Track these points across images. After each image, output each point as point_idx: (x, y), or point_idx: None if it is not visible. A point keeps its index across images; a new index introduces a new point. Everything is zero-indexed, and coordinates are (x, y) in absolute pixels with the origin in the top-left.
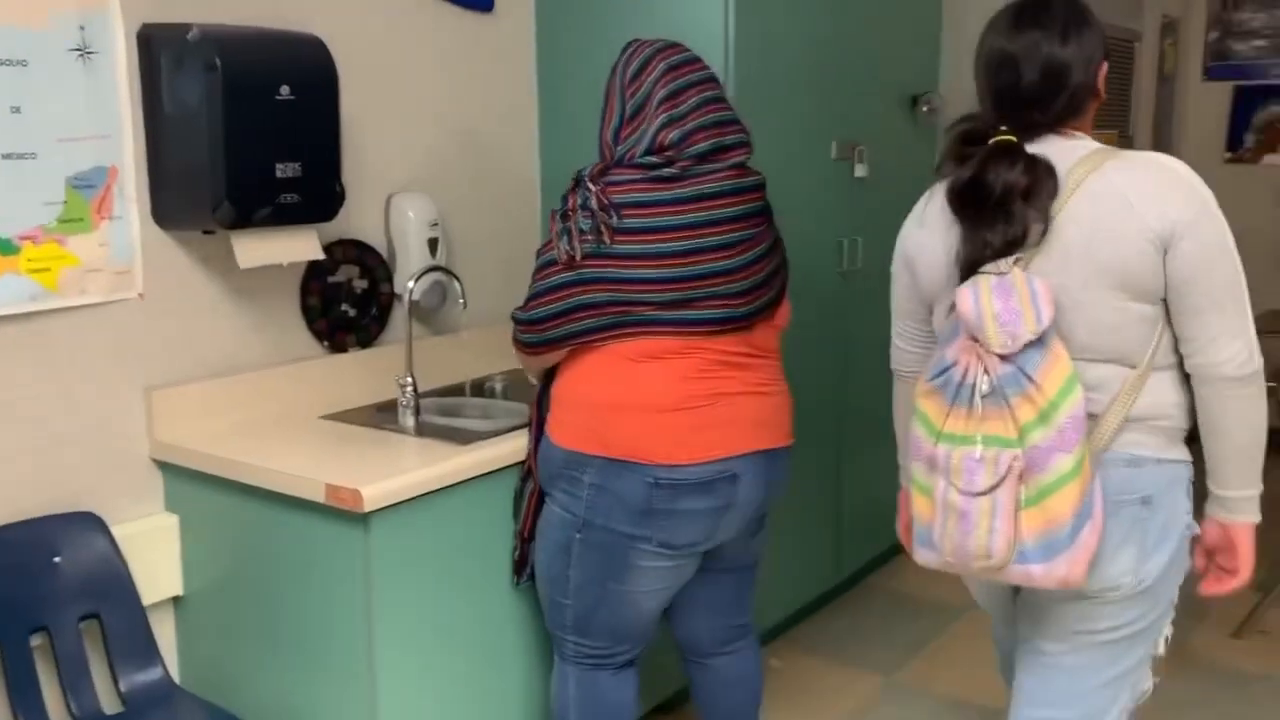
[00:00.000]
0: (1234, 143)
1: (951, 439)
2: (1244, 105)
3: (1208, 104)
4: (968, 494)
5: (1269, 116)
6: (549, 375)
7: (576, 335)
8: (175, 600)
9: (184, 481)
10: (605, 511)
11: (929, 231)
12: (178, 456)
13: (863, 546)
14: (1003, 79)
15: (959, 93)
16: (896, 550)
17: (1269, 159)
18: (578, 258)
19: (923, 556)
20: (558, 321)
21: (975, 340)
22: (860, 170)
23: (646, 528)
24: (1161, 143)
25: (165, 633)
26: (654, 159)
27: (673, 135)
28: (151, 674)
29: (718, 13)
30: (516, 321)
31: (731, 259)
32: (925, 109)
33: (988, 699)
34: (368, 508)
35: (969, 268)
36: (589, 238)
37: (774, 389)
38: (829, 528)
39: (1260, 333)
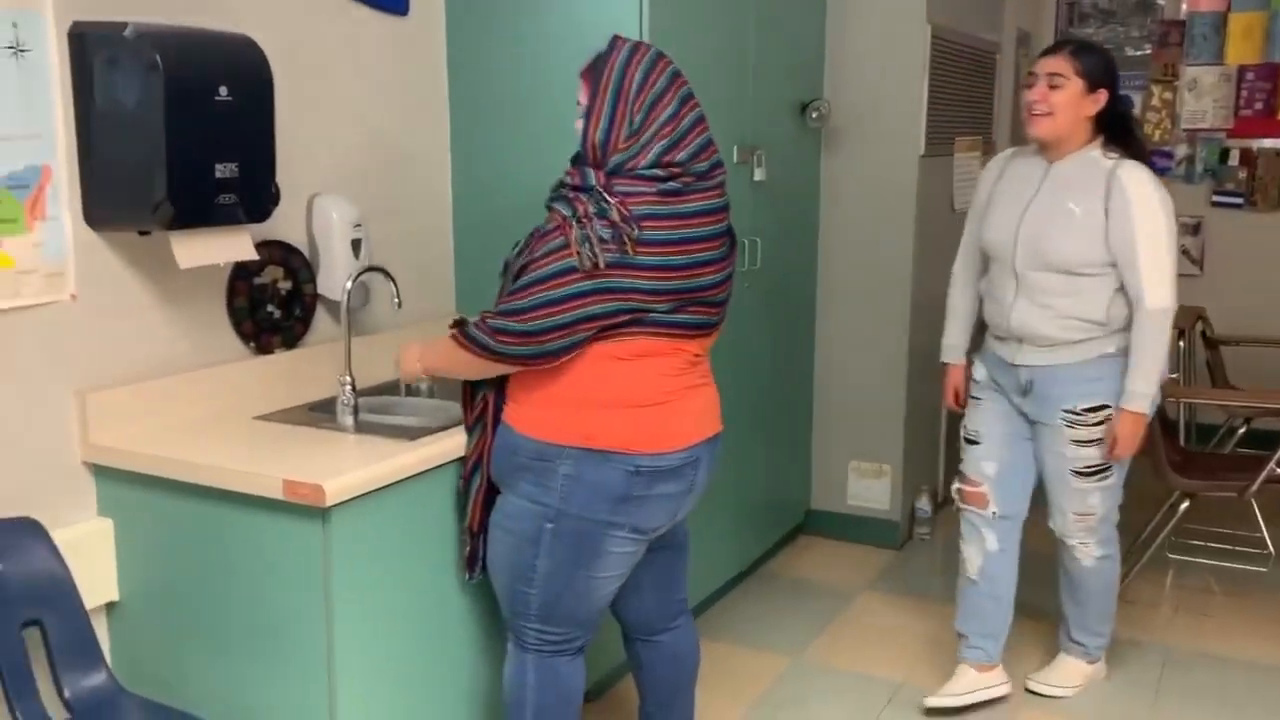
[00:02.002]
0: None
1: None
2: None
3: None
4: None
5: None
6: (496, 380)
7: (572, 348)
8: (109, 606)
9: (118, 485)
10: (581, 500)
11: None
12: (114, 459)
13: (762, 534)
14: None
15: (844, 99)
16: (792, 537)
17: None
18: (602, 265)
19: None
20: (561, 333)
21: None
22: (759, 174)
23: (621, 514)
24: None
25: (99, 639)
26: (659, 172)
27: (680, 155)
28: (96, 679)
29: (632, 18)
30: (506, 333)
31: (717, 273)
32: (814, 115)
33: (887, 672)
34: (329, 502)
35: None
36: (611, 247)
37: (711, 380)
38: (732, 518)
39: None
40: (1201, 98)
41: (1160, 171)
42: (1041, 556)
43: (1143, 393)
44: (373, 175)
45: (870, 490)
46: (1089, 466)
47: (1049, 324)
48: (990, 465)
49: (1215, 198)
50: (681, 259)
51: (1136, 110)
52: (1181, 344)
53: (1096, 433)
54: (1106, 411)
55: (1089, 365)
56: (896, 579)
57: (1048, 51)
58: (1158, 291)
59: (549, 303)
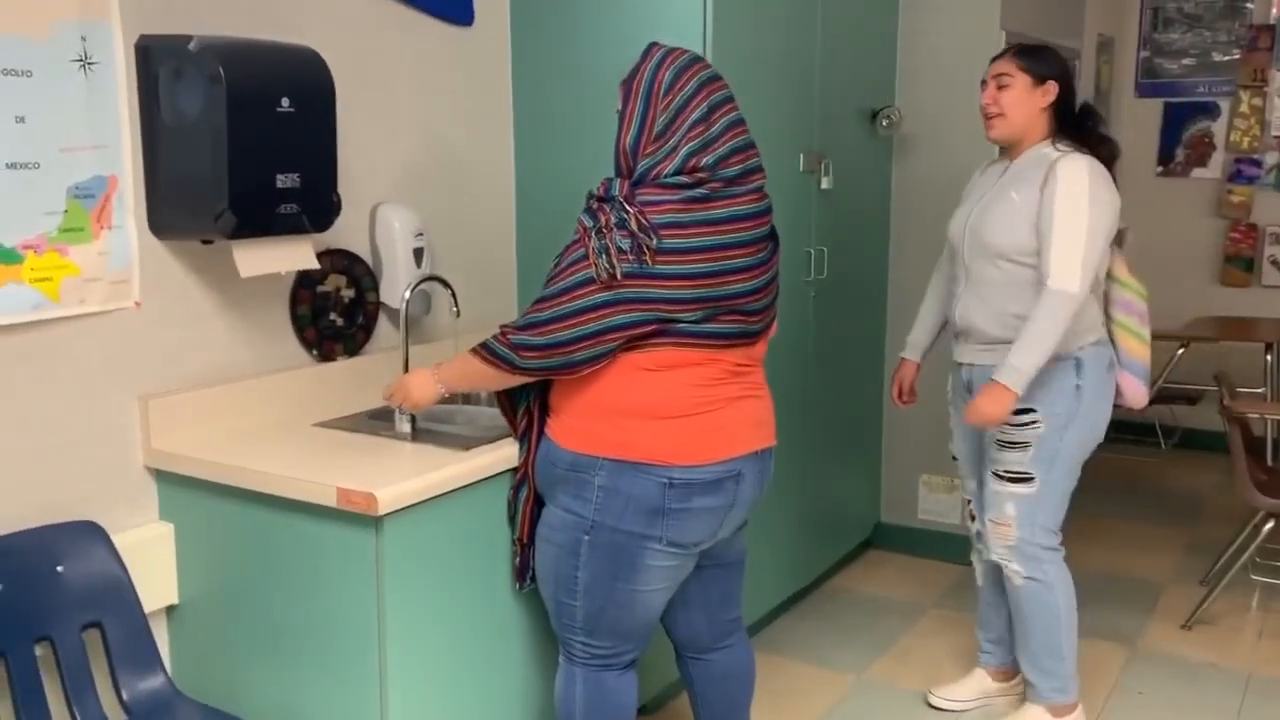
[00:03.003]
0: (1165, 157)
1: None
2: (1174, 121)
3: (1141, 119)
4: None
5: (1197, 132)
6: (539, 389)
7: (600, 357)
8: (169, 609)
9: (179, 489)
10: (616, 512)
11: None
12: (174, 464)
13: (828, 549)
14: None
15: (915, 106)
16: (860, 552)
17: (1197, 172)
18: (619, 276)
19: (1144, 396)
20: (587, 343)
21: None
22: (826, 182)
23: (657, 527)
24: None
25: (160, 642)
26: (684, 179)
27: (707, 159)
28: (154, 681)
29: (696, 28)
30: (528, 348)
31: (752, 280)
32: (885, 123)
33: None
34: (382, 510)
35: None
36: (629, 257)
37: (764, 392)
38: (796, 532)
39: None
40: None
41: (1249, 180)
42: (1097, 574)
43: (1016, 367)
44: (437, 185)
45: (941, 504)
46: (1008, 471)
47: (988, 320)
48: (970, 483)
49: None
50: (709, 266)
51: (1224, 116)
52: (1269, 358)
53: (1019, 435)
54: (1033, 416)
55: None
56: (967, 596)
57: (994, 59)
58: (1062, 273)
59: (569, 314)
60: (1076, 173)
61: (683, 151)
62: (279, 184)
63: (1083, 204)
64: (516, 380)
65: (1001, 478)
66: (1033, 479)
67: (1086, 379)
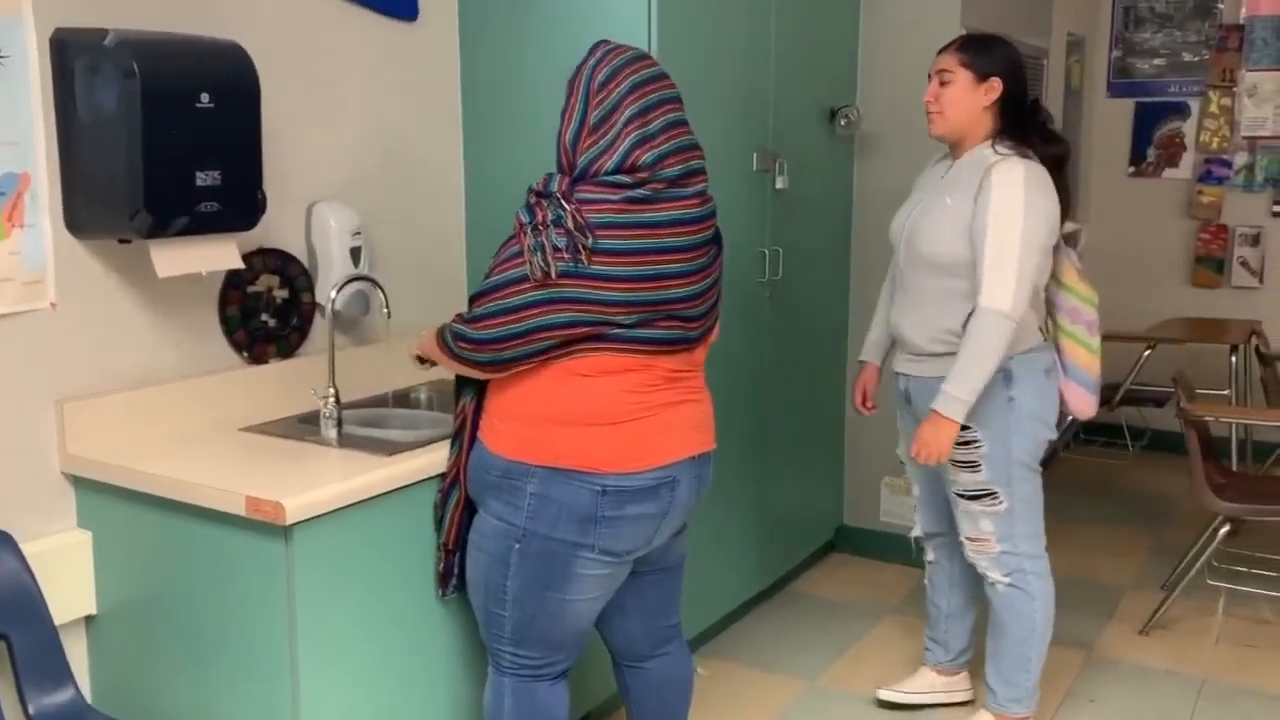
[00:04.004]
0: (1137, 157)
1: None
2: (1145, 121)
3: (1112, 119)
4: None
5: (1168, 132)
6: (478, 387)
7: (531, 356)
8: (88, 619)
9: (97, 496)
10: (548, 521)
11: None
12: (91, 470)
13: (789, 552)
14: None
15: (876, 105)
16: (823, 555)
17: (1169, 173)
18: (553, 275)
19: (1091, 406)
20: (516, 342)
21: None
22: (781, 182)
23: (590, 535)
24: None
25: (77, 653)
26: (625, 178)
27: (646, 157)
28: (62, 695)
29: (640, 22)
30: (463, 339)
31: (691, 286)
32: (843, 122)
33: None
34: (290, 520)
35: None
36: (564, 255)
37: (703, 396)
38: (755, 535)
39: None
40: (1262, 104)
41: (1219, 181)
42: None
43: (954, 396)
44: (382, 182)
45: (904, 507)
46: (968, 491)
47: (917, 330)
48: (916, 488)
49: (1276, 208)
50: (646, 269)
51: (1194, 117)
52: (1234, 359)
53: (967, 456)
54: (972, 435)
55: None
56: (925, 600)
57: (938, 51)
58: (994, 291)
59: (502, 311)
60: (1011, 179)
61: (622, 147)
62: (199, 182)
63: (1017, 213)
64: (457, 367)
65: (965, 497)
66: (997, 495)
67: (1018, 388)
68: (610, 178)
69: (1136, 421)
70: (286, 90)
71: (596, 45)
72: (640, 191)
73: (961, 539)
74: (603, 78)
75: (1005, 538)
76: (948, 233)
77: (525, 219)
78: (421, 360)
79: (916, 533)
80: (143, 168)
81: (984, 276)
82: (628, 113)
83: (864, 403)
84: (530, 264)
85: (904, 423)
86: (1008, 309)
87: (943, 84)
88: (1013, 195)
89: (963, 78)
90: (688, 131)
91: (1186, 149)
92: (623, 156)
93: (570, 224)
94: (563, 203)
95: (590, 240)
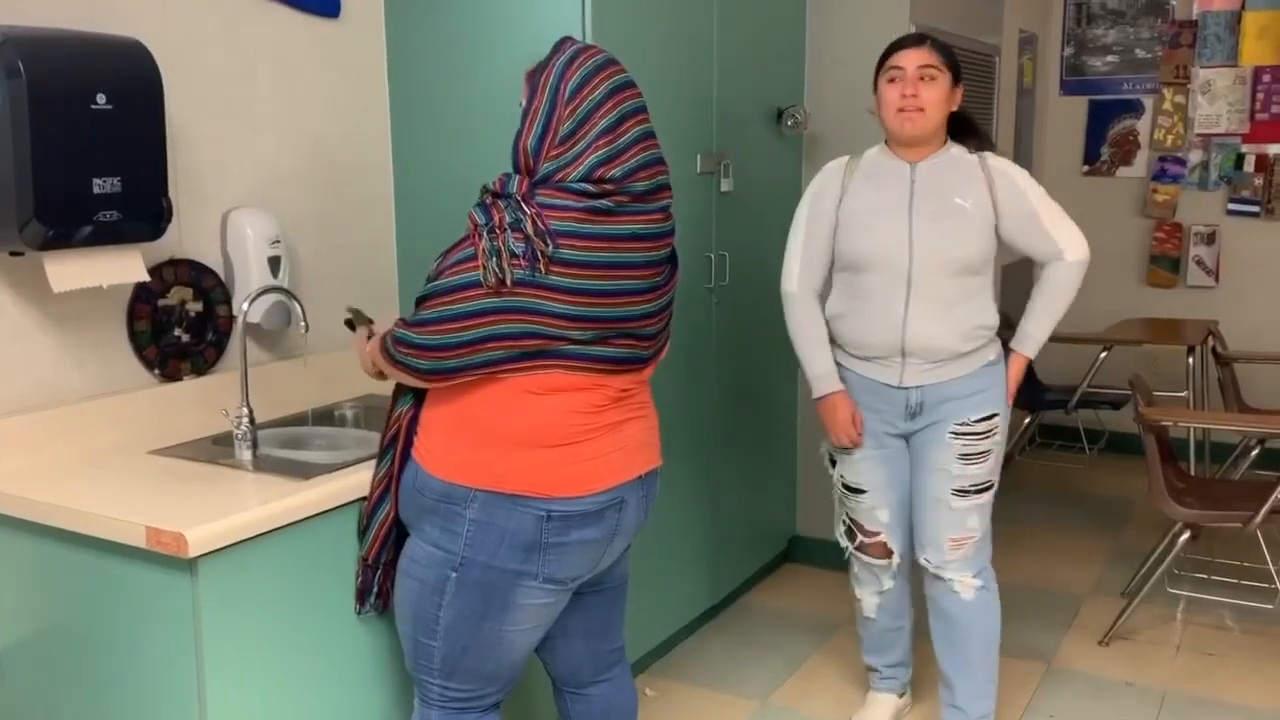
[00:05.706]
0: (1091, 155)
1: None
2: (1099, 119)
3: (1066, 118)
4: None
5: (1122, 130)
6: (416, 396)
7: (476, 367)
8: None
9: None
10: (489, 548)
11: None
12: None
13: (741, 565)
14: None
15: (825, 105)
16: (776, 566)
17: (1123, 171)
18: (508, 282)
19: None
20: (462, 351)
21: None
22: (726, 184)
23: (533, 563)
24: (1021, 154)
25: None
26: (589, 187)
27: (614, 172)
28: None
29: (574, 20)
30: (404, 344)
31: (647, 304)
32: (790, 122)
33: (852, 711)
34: (193, 552)
35: None
36: (522, 262)
37: (649, 411)
38: (706, 548)
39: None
40: (1215, 101)
41: (1173, 179)
42: (1016, 586)
43: (1036, 338)
44: (304, 187)
45: None
46: (973, 484)
47: (950, 336)
48: (884, 513)
49: (1230, 205)
50: (605, 284)
51: (1147, 114)
52: (1190, 360)
53: (983, 444)
54: (995, 420)
55: (976, 376)
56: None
57: (905, 45)
58: (1074, 243)
59: (450, 318)
60: (1013, 164)
61: (588, 161)
62: (96, 189)
63: (1035, 182)
64: (395, 373)
65: (965, 492)
66: (991, 485)
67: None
68: (575, 185)
69: (1093, 424)
70: (197, 90)
71: (563, 42)
72: (604, 203)
73: (925, 549)
74: (574, 84)
75: (985, 533)
76: (975, 233)
77: (481, 220)
78: (352, 326)
79: (897, 558)
80: (31, 175)
81: (1057, 236)
82: (601, 125)
83: (859, 433)
84: (484, 269)
85: (862, 453)
86: (1088, 256)
87: (927, 80)
88: (1023, 170)
89: (945, 79)
90: (655, 144)
91: (1140, 147)
92: (590, 169)
93: (530, 228)
94: (523, 205)
95: (550, 248)
